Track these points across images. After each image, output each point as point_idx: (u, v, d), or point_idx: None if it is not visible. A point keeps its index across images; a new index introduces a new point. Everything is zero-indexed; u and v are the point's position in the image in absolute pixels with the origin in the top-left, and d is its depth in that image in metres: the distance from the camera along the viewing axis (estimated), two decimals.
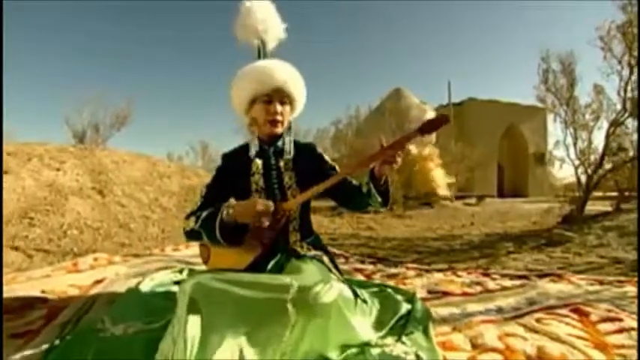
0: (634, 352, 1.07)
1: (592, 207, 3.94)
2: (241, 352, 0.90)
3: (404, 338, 1.15)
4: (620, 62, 3.43)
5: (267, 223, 1.09)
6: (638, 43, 2.87)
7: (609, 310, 1.37)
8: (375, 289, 1.52)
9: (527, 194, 12.68)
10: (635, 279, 1.74)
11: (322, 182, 1.13)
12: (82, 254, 2.26)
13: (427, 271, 2.11)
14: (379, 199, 1.19)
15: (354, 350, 1.04)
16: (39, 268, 1.98)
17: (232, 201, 1.18)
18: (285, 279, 1.00)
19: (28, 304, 1.40)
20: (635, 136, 3.31)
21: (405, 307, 1.32)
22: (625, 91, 3.30)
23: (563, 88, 3.62)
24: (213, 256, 1.29)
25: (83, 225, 2.79)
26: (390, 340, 1.15)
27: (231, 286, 0.98)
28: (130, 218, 3.17)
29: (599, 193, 4.48)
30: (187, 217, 1.23)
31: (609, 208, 3.81)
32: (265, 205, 1.07)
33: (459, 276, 1.97)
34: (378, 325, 1.21)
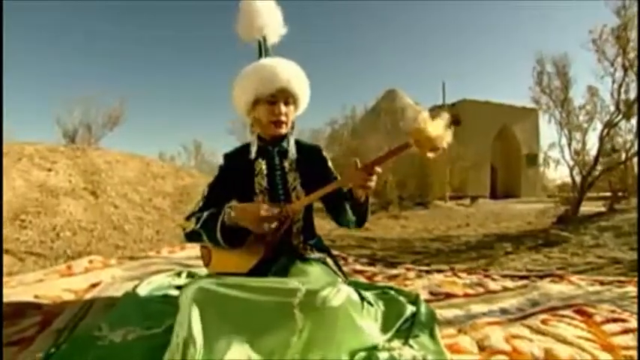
0: None
1: (584, 207, 3.99)
2: (248, 359, 0.87)
3: (411, 341, 1.13)
4: (613, 65, 3.48)
5: (268, 230, 1.06)
6: (638, 43, 2.90)
7: (612, 311, 1.37)
8: (378, 291, 1.50)
9: (519, 195, 12.82)
10: (636, 279, 1.75)
11: (326, 186, 1.10)
12: (75, 257, 2.20)
13: (427, 272, 2.10)
14: (352, 218, 1.16)
15: (362, 355, 1.01)
16: (31, 271, 1.93)
17: (235, 203, 1.15)
18: (291, 283, 0.98)
19: (20, 310, 1.35)
20: (628, 137, 3.36)
21: (409, 309, 1.31)
22: (619, 93, 3.34)
23: (558, 90, 3.66)
24: (215, 259, 1.26)
25: (76, 227, 2.72)
26: (396, 343, 1.13)
27: (236, 290, 0.95)
28: (124, 220, 3.11)
29: (589, 194, 4.53)
30: (188, 218, 1.20)
31: (602, 209, 3.85)
32: (269, 211, 1.05)
33: (459, 277, 1.97)
34: (384, 328, 1.19)
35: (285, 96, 1.17)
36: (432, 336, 1.17)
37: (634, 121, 3.40)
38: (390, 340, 1.13)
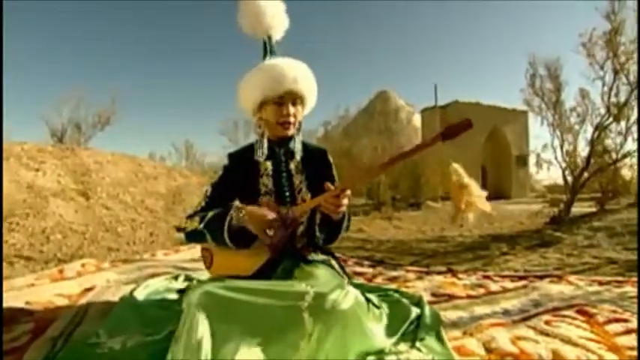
0: None
1: (574, 208, 4.04)
2: None
3: (418, 344, 1.12)
4: (602, 68, 3.55)
5: (269, 239, 1.04)
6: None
7: (613, 311, 1.38)
8: (381, 294, 1.49)
9: (509, 196, 12.99)
10: (633, 279, 1.78)
11: (320, 196, 1.08)
12: (67, 260, 2.13)
13: (427, 273, 2.10)
14: (320, 235, 1.17)
15: (371, 358, 1.00)
16: (21, 276, 1.85)
17: (242, 205, 1.12)
18: (299, 285, 0.96)
19: (11, 317, 1.30)
20: (618, 140, 3.43)
21: (414, 311, 1.30)
22: (609, 96, 3.41)
23: (550, 93, 3.71)
24: (217, 262, 1.23)
25: (67, 229, 2.64)
26: (403, 346, 1.12)
27: (242, 294, 0.93)
28: (117, 221, 3.04)
29: (578, 194, 4.60)
30: (189, 217, 1.17)
31: (593, 209, 3.92)
32: (274, 218, 1.03)
33: (459, 278, 1.97)
34: (390, 331, 1.18)
35: (292, 97, 1.14)
36: (439, 338, 1.16)
37: (623, 123, 3.47)
38: (396, 344, 1.12)
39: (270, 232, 1.03)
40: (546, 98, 3.68)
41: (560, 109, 3.59)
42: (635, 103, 3.29)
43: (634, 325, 1.26)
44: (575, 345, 1.11)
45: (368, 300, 1.16)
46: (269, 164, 1.19)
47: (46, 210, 2.82)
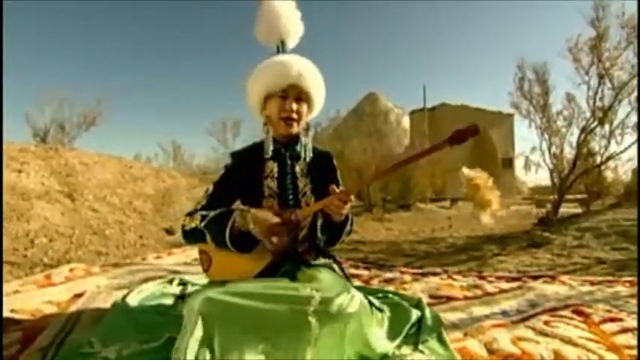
0: None
1: (560, 209, 4.13)
2: None
3: (421, 347, 1.12)
4: (588, 73, 3.65)
5: (274, 245, 1.03)
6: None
7: (608, 311, 1.41)
8: (381, 296, 1.48)
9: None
10: (624, 279, 1.82)
11: (325, 199, 1.06)
12: (53, 265, 2.05)
13: (423, 274, 2.10)
14: (319, 234, 1.17)
15: None
16: (5, 282, 1.77)
17: (246, 208, 1.09)
18: (304, 290, 0.94)
19: None
20: (602, 143, 3.53)
21: (415, 313, 1.29)
22: (594, 100, 3.51)
23: (538, 96, 3.80)
24: (216, 265, 1.19)
25: (53, 232, 2.54)
26: (406, 349, 1.11)
27: (246, 299, 0.91)
28: (105, 224, 2.94)
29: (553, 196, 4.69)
30: (189, 215, 1.13)
31: (579, 210, 4.02)
32: (279, 223, 1.01)
33: (454, 279, 1.98)
34: (392, 334, 1.17)
35: (296, 92, 1.12)
36: (441, 340, 1.16)
37: (607, 126, 3.58)
38: (399, 347, 1.12)
39: (275, 239, 1.01)
40: (534, 102, 3.76)
41: (548, 112, 3.68)
42: (618, 107, 3.40)
43: (629, 324, 1.28)
44: (576, 345, 1.12)
45: (371, 303, 1.15)
46: (274, 166, 1.17)
47: (30, 212, 2.71)
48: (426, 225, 5.86)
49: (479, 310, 1.47)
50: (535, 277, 1.91)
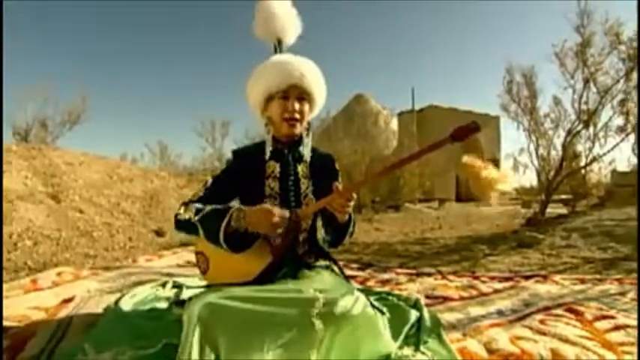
0: (635, 350, 1.12)
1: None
2: None
3: (422, 348, 1.13)
4: (573, 77, 3.75)
5: (279, 233, 1.01)
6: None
7: (600, 309, 1.45)
8: (380, 297, 1.48)
9: (482, 198, 13.51)
10: (612, 277, 1.88)
11: (324, 198, 1.05)
12: (39, 269, 1.98)
13: (417, 275, 2.12)
14: (327, 237, 1.18)
15: None
16: None
17: (244, 207, 1.07)
18: (308, 292, 0.93)
19: None
20: (588, 145, 3.64)
21: (413, 314, 1.30)
22: (579, 103, 3.61)
23: (526, 99, 3.89)
24: (214, 266, 1.17)
25: (37, 235, 2.45)
26: (407, 350, 1.11)
27: (247, 303, 0.89)
28: (92, 226, 2.86)
29: (541, 197, 4.81)
30: (184, 204, 1.11)
31: (564, 211, 4.12)
32: (281, 216, 0.99)
33: (449, 280, 2.00)
34: (392, 335, 1.16)
35: (298, 92, 1.11)
36: (441, 341, 1.17)
37: (592, 129, 3.69)
38: (400, 348, 1.12)
39: (279, 231, 0.99)
40: (522, 104, 3.85)
41: (536, 115, 3.77)
42: (602, 111, 3.52)
43: (621, 321, 1.32)
44: (574, 344, 1.15)
45: (372, 305, 1.15)
46: (277, 166, 1.15)
47: (12, 214, 2.61)
48: (415, 225, 5.91)
49: (475, 311, 1.49)
50: (527, 277, 1.95)
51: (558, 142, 3.68)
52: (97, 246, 2.52)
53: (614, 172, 5.24)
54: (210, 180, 1.16)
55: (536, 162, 3.78)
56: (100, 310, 1.39)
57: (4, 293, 1.59)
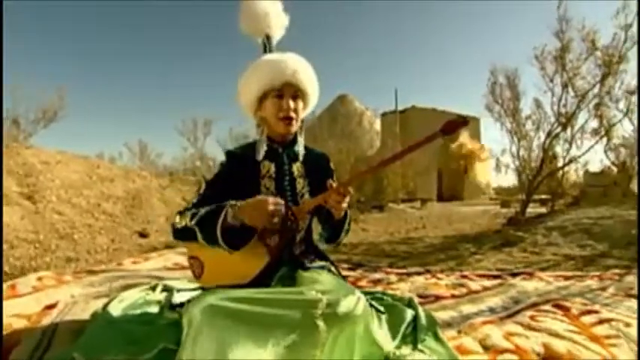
0: (620, 342, 1.17)
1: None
2: None
3: (420, 346, 1.14)
4: (552, 81, 3.90)
5: (276, 224, 0.99)
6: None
7: (584, 304, 1.51)
8: (373, 297, 1.49)
9: (463, 197, 13.85)
10: (592, 273, 1.96)
11: (319, 195, 1.05)
12: (17, 274, 1.87)
13: (408, 274, 2.14)
14: (324, 234, 1.17)
15: None
16: None
17: (239, 202, 1.05)
18: (309, 293, 0.92)
19: None
20: (565, 147, 3.79)
21: (409, 313, 1.31)
22: (558, 106, 3.76)
23: (509, 101, 4.01)
24: (209, 270, 1.14)
25: (13, 238, 2.32)
26: (405, 349, 1.12)
27: (249, 305, 0.88)
28: (72, 227, 2.74)
29: (521, 197, 4.98)
30: (181, 213, 1.09)
31: (543, 210, 4.28)
32: (276, 203, 0.97)
33: (439, 278, 2.03)
34: (391, 334, 1.18)
35: (292, 90, 1.10)
36: (438, 339, 1.18)
37: (569, 131, 3.84)
38: (398, 347, 1.12)
39: (276, 219, 0.97)
40: (505, 106, 3.97)
41: (518, 116, 3.89)
42: (579, 114, 3.67)
43: (604, 315, 1.37)
44: (563, 338, 1.19)
45: (371, 305, 1.15)
46: (272, 166, 1.14)
47: None
48: (400, 225, 5.98)
49: (467, 308, 1.52)
50: (514, 275, 2.01)
51: (538, 143, 3.82)
52: (79, 249, 2.42)
53: (586, 172, 5.51)
54: (203, 185, 1.13)
55: (517, 162, 3.91)
56: (86, 317, 1.33)
57: None
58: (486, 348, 1.16)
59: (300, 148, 1.17)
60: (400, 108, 14.28)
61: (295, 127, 1.14)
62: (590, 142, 3.92)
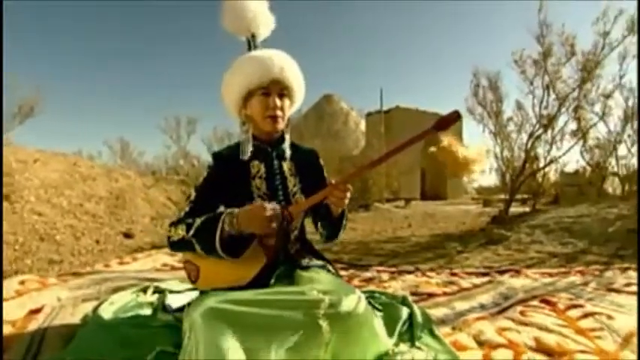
0: (604, 334, 1.23)
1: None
2: None
3: (417, 343, 1.15)
4: (532, 84, 4.03)
5: (275, 228, 0.98)
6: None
7: (570, 299, 1.57)
8: (368, 295, 1.50)
9: (446, 197, 14.14)
10: (575, 269, 2.04)
11: (319, 193, 1.04)
12: None
13: (398, 273, 2.17)
14: (323, 232, 1.19)
15: None
16: None
17: (234, 209, 1.04)
18: (311, 293, 0.92)
19: None
20: (547, 148, 3.94)
21: (405, 311, 1.33)
22: (540, 108, 3.89)
23: (492, 103, 4.12)
24: (205, 274, 1.11)
25: None
26: (403, 347, 1.14)
27: (250, 306, 0.87)
28: (53, 229, 2.64)
29: (503, 196, 5.13)
30: (173, 225, 1.06)
31: (525, 209, 4.41)
32: (273, 209, 0.97)
33: (429, 276, 2.07)
34: (388, 332, 1.19)
35: (279, 87, 1.08)
36: (434, 335, 1.21)
37: (550, 133, 3.99)
38: (396, 345, 1.14)
39: (274, 224, 0.97)
40: (488, 108, 4.07)
41: (501, 118, 4.01)
42: (560, 116, 3.82)
43: (589, 309, 1.43)
44: (552, 332, 1.23)
45: (369, 303, 1.16)
46: (261, 166, 1.13)
47: None
48: (386, 224, 6.04)
49: (460, 305, 1.55)
50: (502, 272, 2.07)
51: (520, 144, 3.95)
52: (62, 250, 2.33)
53: (562, 173, 5.73)
54: (193, 193, 1.11)
55: (500, 163, 4.03)
56: (76, 321, 1.29)
57: None
58: (480, 343, 1.19)
59: (286, 146, 1.16)
60: (385, 108, 14.44)
61: (282, 125, 1.12)
62: (570, 143, 4.09)
